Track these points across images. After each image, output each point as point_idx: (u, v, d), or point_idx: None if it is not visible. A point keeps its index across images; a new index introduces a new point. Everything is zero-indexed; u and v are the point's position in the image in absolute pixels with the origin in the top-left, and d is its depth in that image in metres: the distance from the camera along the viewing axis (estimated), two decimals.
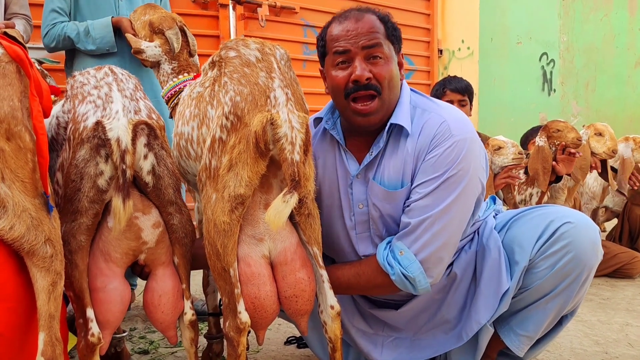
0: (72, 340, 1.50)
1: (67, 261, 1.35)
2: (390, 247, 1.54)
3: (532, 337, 1.60)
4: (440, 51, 5.87)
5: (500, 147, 2.91)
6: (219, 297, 1.98)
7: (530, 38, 6.92)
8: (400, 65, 1.59)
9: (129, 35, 2.20)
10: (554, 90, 7.25)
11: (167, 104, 2.08)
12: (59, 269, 1.22)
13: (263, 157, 1.37)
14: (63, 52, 2.64)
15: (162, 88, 2.10)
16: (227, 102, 1.39)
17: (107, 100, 1.40)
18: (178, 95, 2.02)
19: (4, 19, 2.51)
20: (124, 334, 1.99)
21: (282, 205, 1.25)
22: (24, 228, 1.17)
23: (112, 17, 2.46)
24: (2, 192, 1.15)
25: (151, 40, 2.13)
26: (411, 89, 1.64)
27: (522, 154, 2.89)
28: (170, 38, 2.08)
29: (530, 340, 1.61)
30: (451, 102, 2.77)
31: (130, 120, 1.36)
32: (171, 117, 2.05)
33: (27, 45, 2.28)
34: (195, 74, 2.12)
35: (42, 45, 2.61)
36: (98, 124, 1.34)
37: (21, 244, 1.18)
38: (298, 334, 2.25)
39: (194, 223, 1.71)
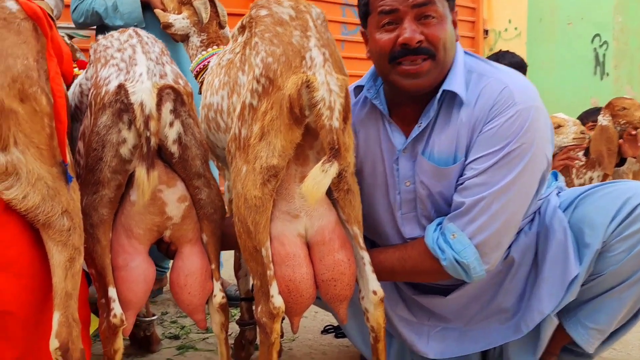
0: (95, 323, 1.41)
1: (88, 236, 1.26)
2: (441, 229, 1.38)
3: (603, 330, 1.41)
4: (486, 32, 5.60)
5: (559, 126, 2.67)
6: (251, 281, 1.86)
7: (581, 18, 6.51)
8: (454, 24, 1.41)
9: (157, 11, 2.13)
10: (607, 74, 6.82)
11: (196, 78, 1.98)
12: (77, 244, 1.13)
13: (298, 124, 1.23)
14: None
15: (192, 61, 2.00)
16: (258, 64, 1.26)
17: (130, 63, 1.28)
18: (206, 70, 1.92)
19: None
20: (154, 318, 1.91)
21: (320, 175, 1.11)
22: (38, 198, 1.07)
23: None
24: (14, 158, 1.05)
25: (179, 13, 2.04)
26: (465, 52, 1.46)
27: (584, 133, 2.65)
28: (198, 8, 1.98)
29: (602, 334, 1.42)
30: None
31: (154, 84, 1.25)
32: (200, 92, 1.95)
33: (59, 24, 2.22)
34: (225, 47, 2.02)
35: (72, 25, 2.57)
36: (120, 87, 1.23)
37: (36, 215, 1.08)
38: (336, 323, 2.12)
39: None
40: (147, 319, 1.89)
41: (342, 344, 1.98)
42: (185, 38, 2.04)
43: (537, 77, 6.14)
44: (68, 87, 1.44)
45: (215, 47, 1.98)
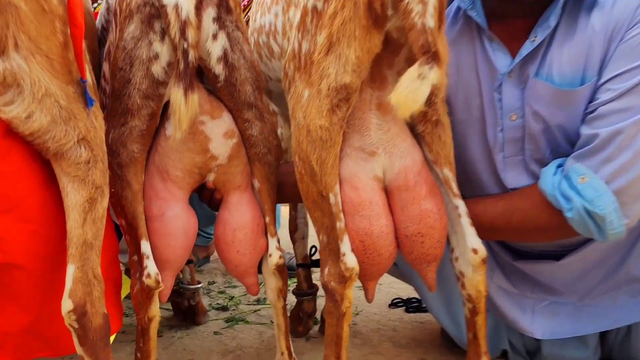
0: (126, 286, 1.18)
1: (116, 178, 1.03)
2: (563, 171, 1.06)
3: None
4: None
5: None
6: (309, 244, 1.61)
7: None
8: None
9: None
10: None
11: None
12: (99, 181, 0.88)
13: (378, 26, 0.93)
14: None
15: None
16: None
17: None
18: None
19: None
20: (199, 285, 1.69)
21: (416, 81, 0.81)
22: (47, 118, 0.83)
23: None
24: (14, 65, 0.81)
25: None
26: None
27: None
28: None
29: None
30: None
31: None
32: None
33: None
34: None
35: None
36: None
37: (44, 142, 0.84)
38: (404, 296, 1.83)
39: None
40: (192, 286, 1.67)
41: (414, 320, 1.70)
42: None
43: None
44: None
45: None
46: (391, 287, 1.96)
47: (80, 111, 0.88)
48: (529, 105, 1.11)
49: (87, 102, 0.90)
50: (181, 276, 1.67)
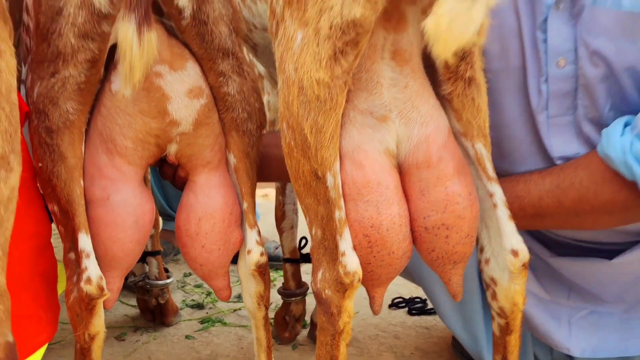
0: (63, 283, 0.93)
1: (45, 148, 0.78)
2: (634, 129, 0.81)
3: None
4: None
5: None
6: (298, 235, 1.36)
7: None
8: None
9: None
10: None
11: None
12: (1, 150, 0.62)
13: None
14: None
15: None
16: None
17: None
18: None
19: None
20: (169, 281, 1.44)
21: (464, 6, 0.55)
22: None
23: None
24: None
25: None
26: None
27: None
28: None
29: None
30: None
31: None
32: None
33: None
34: None
35: None
36: None
37: None
38: (406, 294, 1.60)
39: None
40: (161, 282, 1.42)
41: (419, 324, 1.46)
42: None
43: None
44: None
45: None
46: (392, 284, 1.73)
47: None
48: (585, 44, 0.86)
49: None
50: (147, 270, 1.42)
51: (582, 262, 1.01)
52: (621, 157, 0.80)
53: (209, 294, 1.67)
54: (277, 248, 1.87)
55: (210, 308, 1.58)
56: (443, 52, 0.57)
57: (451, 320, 1.17)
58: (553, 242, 1.05)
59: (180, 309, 1.55)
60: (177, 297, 1.62)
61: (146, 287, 1.43)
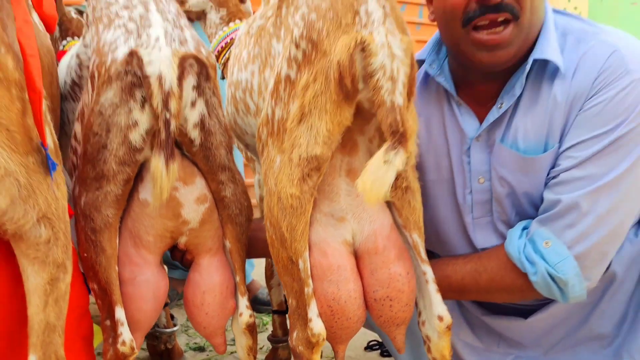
0: (98, 335, 1.18)
1: (89, 244, 1.03)
2: (528, 234, 1.09)
3: None
4: None
5: None
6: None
7: None
8: None
9: None
10: None
11: (217, 60, 1.73)
12: (60, 259, 0.87)
13: (349, 100, 0.95)
14: None
15: (210, 42, 1.75)
16: (297, 23, 0.98)
17: (142, 24, 1.02)
18: (229, 48, 1.67)
19: None
20: (175, 328, 1.68)
21: (382, 167, 0.83)
22: (5, 201, 0.81)
23: None
24: None
25: None
26: (555, 10, 1.16)
27: None
28: None
29: None
30: None
31: (175, 52, 0.99)
32: (223, 77, 1.69)
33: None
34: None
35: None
36: (132, 55, 0.98)
37: (2, 224, 0.82)
38: (381, 339, 1.84)
39: (253, 201, 1.34)
40: (169, 330, 1.66)
41: None
42: (201, 15, 1.80)
43: None
44: (51, 37, 1.19)
45: (237, 21, 1.74)
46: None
47: (40, 183, 0.85)
48: (495, 170, 1.15)
49: (48, 169, 0.89)
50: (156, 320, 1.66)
51: (507, 320, 1.28)
52: (517, 255, 1.08)
53: None
54: (268, 295, 2.11)
55: (211, 350, 1.82)
56: (370, 201, 0.84)
57: None
58: (486, 305, 1.31)
59: (184, 352, 1.78)
60: (181, 340, 1.86)
61: (155, 334, 1.67)
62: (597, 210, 1.02)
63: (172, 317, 1.72)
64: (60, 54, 1.44)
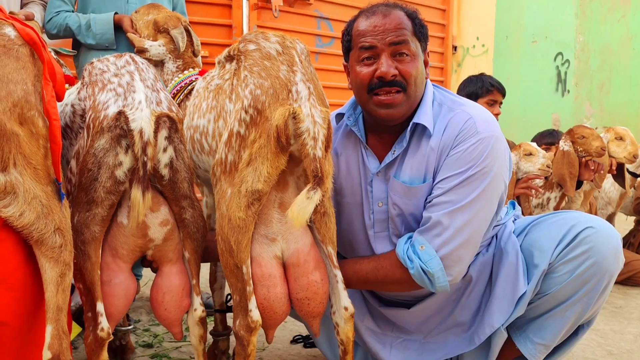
0: (75, 330, 1.47)
1: (79, 252, 1.32)
2: (411, 241, 1.50)
3: (548, 345, 1.56)
4: (455, 48, 5.78)
5: (530, 154, 2.85)
6: (225, 293, 1.94)
7: (545, 37, 6.80)
8: (425, 63, 1.55)
9: (130, 35, 2.21)
10: (568, 91, 7.15)
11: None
12: (67, 260, 1.19)
13: (284, 152, 1.32)
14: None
15: (167, 86, 2.07)
16: (246, 96, 1.34)
17: (128, 90, 1.35)
18: (184, 91, 2.01)
19: (22, 4, 2.46)
20: (130, 327, 1.96)
21: (305, 201, 1.21)
22: (33, 215, 1.13)
23: (115, 13, 2.40)
24: (13, 178, 1.11)
25: (155, 40, 2.14)
26: (435, 86, 1.59)
27: (549, 167, 2.82)
28: (175, 37, 2.10)
29: (547, 349, 1.57)
30: (495, 102, 2.82)
31: (152, 112, 1.32)
32: None
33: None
34: (200, 69, 2.14)
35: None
36: (120, 113, 1.30)
37: (30, 232, 1.14)
38: (305, 333, 2.21)
39: None
40: (124, 327, 1.93)
41: (310, 354, 2.08)
42: (159, 64, 2.12)
43: None
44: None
45: (191, 69, 2.10)
46: (294, 324, 2.33)
47: (55, 206, 1.19)
48: (390, 197, 1.56)
49: (60, 198, 1.21)
50: None
51: (395, 310, 1.69)
52: (402, 255, 1.49)
53: (156, 336, 2.19)
54: (208, 298, 2.40)
55: (157, 347, 2.10)
56: (296, 225, 1.22)
57: (325, 350, 1.80)
58: (382, 298, 1.72)
59: (135, 348, 2.05)
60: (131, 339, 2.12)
61: (113, 332, 1.93)
62: (455, 225, 1.45)
63: (127, 316, 2.00)
64: None
